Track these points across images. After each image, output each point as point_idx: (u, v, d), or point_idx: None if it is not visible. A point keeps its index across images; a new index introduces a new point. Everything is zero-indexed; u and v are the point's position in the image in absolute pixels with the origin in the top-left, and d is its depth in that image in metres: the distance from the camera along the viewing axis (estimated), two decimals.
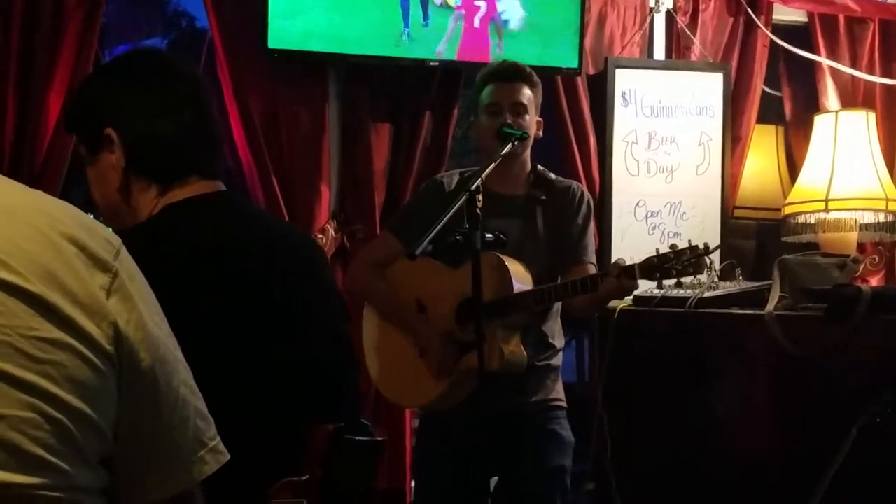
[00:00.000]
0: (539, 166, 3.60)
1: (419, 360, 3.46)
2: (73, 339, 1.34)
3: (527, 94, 3.49)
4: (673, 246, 3.22)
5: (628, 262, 3.27)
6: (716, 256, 4.22)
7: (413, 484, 3.96)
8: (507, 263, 3.32)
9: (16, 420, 1.29)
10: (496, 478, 3.58)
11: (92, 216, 1.48)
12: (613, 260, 3.40)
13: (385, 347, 3.56)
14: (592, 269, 3.53)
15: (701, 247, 3.19)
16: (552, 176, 3.60)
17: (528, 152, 3.53)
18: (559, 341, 3.62)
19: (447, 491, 3.47)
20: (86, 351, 1.35)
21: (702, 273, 3.24)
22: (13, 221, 1.35)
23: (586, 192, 3.65)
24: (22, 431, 1.29)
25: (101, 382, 1.37)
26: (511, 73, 3.51)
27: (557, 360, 3.60)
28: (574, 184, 3.67)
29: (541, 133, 3.57)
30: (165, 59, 2.23)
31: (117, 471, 1.43)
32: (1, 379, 1.28)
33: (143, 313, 1.42)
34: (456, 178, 3.55)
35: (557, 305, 3.55)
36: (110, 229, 1.51)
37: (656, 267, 3.20)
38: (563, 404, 3.58)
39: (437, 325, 3.42)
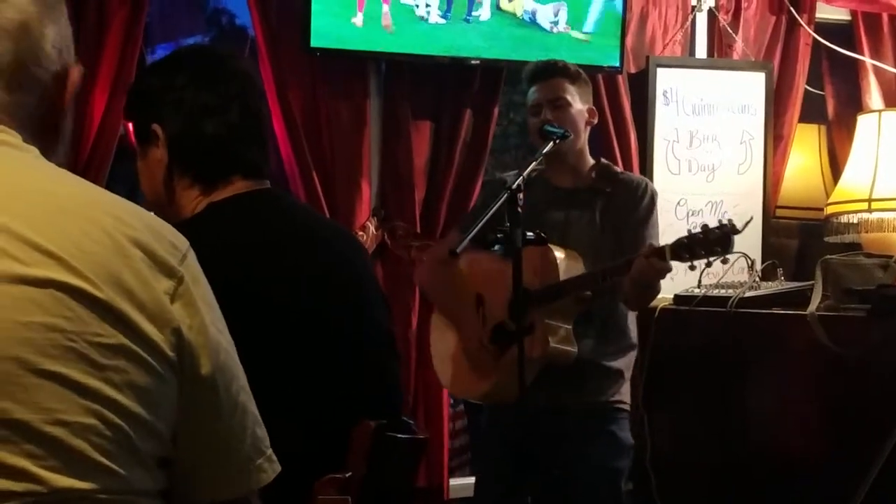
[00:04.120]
0: (603, 160, 3.60)
1: (478, 353, 3.49)
2: (135, 345, 1.34)
3: (565, 87, 3.49)
4: (704, 226, 3.19)
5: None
6: (758, 256, 4.22)
7: (459, 479, 3.98)
8: (555, 254, 3.33)
9: (79, 427, 1.29)
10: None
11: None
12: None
13: (448, 341, 3.62)
14: None
15: (738, 225, 3.15)
16: (617, 169, 3.62)
17: (582, 144, 3.54)
18: (629, 338, 3.58)
19: (498, 482, 3.49)
20: (148, 357, 1.35)
21: (730, 252, 3.19)
22: (81, 222, 1.35)
23: (651, 185, 3.63)
24: (85, 438, 1.30)
25: (162, 388, 1.38)
26: (546, 71, 3.52)
27: (624, 361, 3.55)
28: (638, 177, 3.70)
29: (594, 120, 3.59)
30: (218, 56, 2.23)
31: (175, 473, 1.44)
32: (66, 386, 1.29)
33: (205, 318, 1.42)
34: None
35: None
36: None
37: (686, 247, 3.17)
38: (626, 406, 3.55)
39: (493, 318, 3.45)
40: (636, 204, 3.53)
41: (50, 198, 1.37)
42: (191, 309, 1.40)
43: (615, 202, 3.53)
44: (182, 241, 1.44)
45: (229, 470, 1.50)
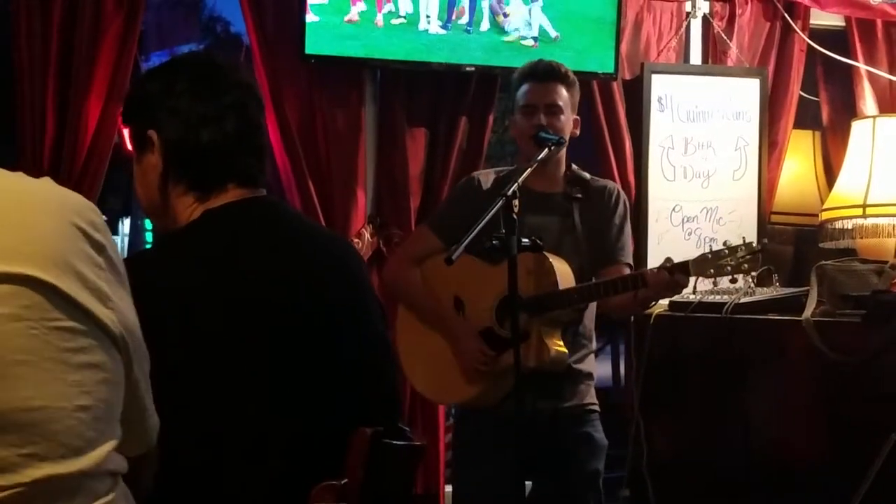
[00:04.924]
0: (573, 165, 3.59)
1: (457, 358, 3.46)
2: (89, 326, 1.40)
3: (562, 93, 3.48)
4: (725, 243, 3.19)
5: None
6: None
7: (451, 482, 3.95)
8: (551, 261, 3.32)
9: (52, 410, 1.35)
10: (530, 482, 3.57)
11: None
12: (660, 262, 3.33)
13: (422, 344, 3.56)
14: (627, 270, 3.50)
15: (756, 244, 3.17)
16: (587, 175, 3.59)
17: (564, 152, 3.53)
18: (593, 343, 3.59)
19: (484, 488, 3.46)
20: (102, 337, 1.42)
21: (756, 270, 3.21)
22: (28, 212, 1.40)
23: (622, 192, 3.63)
24: (59, 421, 1.35)
25: (115, 366, 1.45)
26: (546, 73, 3.50)
27: (591, 363, 3.56)
28: (610, 183, 3.67)
29: (577, 132, 3.56)
30: (216, 64, 2.21)
31: None
32: (35, 372, 1.34)
33: (126, 292, 1.50)
34: (492, 178, 3.54)
35: (592, 306, 3.53)
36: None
37: (711, 263, 3.17)
38: (597, 408, 3.56)
39: (476, 322, 3.42)
40: (612, 210, 3.54)
41: None
42: (120, 285, 1.48)
43: (590, 209, 3.52)
44: (97, 211, 1.49)
45: (146, 429, 1.60)
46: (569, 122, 3.49)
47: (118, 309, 1.44)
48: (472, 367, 3.40)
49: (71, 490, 1.37)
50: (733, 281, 3.25)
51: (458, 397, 3.59)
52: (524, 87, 3.51)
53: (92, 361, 1.39)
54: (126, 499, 1.49)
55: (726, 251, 3.17)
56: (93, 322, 1.40)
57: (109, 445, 1.42)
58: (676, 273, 3.19)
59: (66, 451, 1.35)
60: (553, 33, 4.51)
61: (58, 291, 1.37)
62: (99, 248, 1.44)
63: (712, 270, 3.17)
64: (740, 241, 3.22)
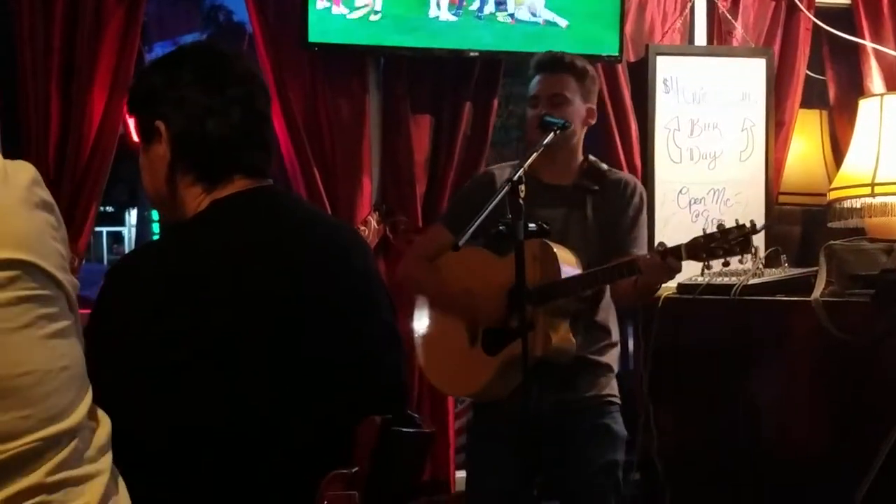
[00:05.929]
0: (591, 157, 3.56)
1: (470, 349, 3.45)
2: (57, 291, 1.49)
3: (569, 84, 3.45)
4: (720, 225, 3.17)
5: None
6: (761, 243, 4.20)
7: (465, 472, 3.94)
8: (554, 250, 3.30)
9: (40, 374, 1.44)
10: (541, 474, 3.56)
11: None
12: (655, 245, 3.33)
13: (436, 337, 3.57)
14: None
15: (748, 225, 3.14)
16: (604, 167, 3.56)
17: (576, 141, 3.49)
18: (613, 335, 3.56)
19: (497, 481, 3.46)
20: (64, 299, 1.51)
21: (749, 252, 3.18)
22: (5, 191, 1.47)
23: (639, 185, 3.59)
24: (46, 383, 1.44)
25: (75, 325, 1.53)
26: (550, 64, 3.49)
27: (611, 356, 3.54)
28: (628, 176, 3.64)
29: (592, 121, 3.53)
30: (222, 55, 2.21)
31: None
32: (21, 339, 1.43)
33: (65, 235, 1.56)
34: (507, 171, 3.51)
35: (609, 299, 3.51)
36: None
37: (703, 247, 3.15)
38: (617, 400, 3.54)
39: (487, 314, 3.42)
40: (626, 204, 3.51)
41: None
42: (66, 249, 1.55)
43: (604, 201, 3.50)
44: (34, 168, 1.53)
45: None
46: (579, 111, 3.46)
47: (69, 275, 1.53)
48: (487, 356, 3.39)
49: (66, 443, 1.46)
50: (726, 265, 3.22)
51: (467, 390, 3.60)
52: (534, 80, 3.50)
53: (64, 325, 1.49)
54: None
55: (718, 234, 3.14)
56: (58, 287, 1.49)
57: (89, 398, 1.52)
58: (668, 257, 3.17)
59: (58, 412, 1.45)
60: (559, 17, 4.50)
61: (35, 266, 1.45)
62: (50, 208, 1.51)
63: (705, 254, 3.16)
64: (744, 222, 3.19)
